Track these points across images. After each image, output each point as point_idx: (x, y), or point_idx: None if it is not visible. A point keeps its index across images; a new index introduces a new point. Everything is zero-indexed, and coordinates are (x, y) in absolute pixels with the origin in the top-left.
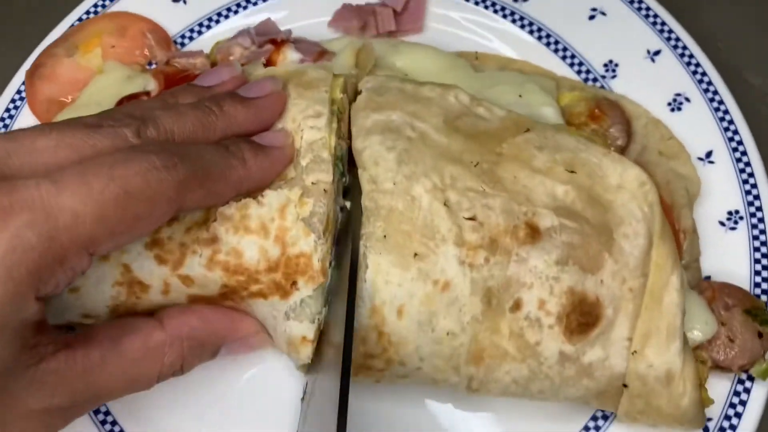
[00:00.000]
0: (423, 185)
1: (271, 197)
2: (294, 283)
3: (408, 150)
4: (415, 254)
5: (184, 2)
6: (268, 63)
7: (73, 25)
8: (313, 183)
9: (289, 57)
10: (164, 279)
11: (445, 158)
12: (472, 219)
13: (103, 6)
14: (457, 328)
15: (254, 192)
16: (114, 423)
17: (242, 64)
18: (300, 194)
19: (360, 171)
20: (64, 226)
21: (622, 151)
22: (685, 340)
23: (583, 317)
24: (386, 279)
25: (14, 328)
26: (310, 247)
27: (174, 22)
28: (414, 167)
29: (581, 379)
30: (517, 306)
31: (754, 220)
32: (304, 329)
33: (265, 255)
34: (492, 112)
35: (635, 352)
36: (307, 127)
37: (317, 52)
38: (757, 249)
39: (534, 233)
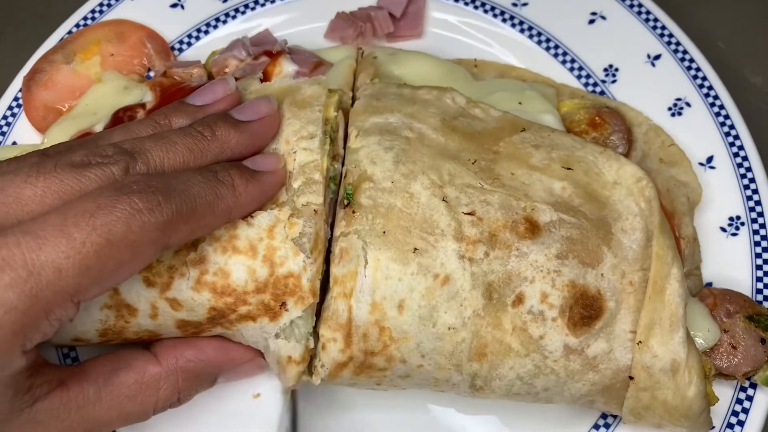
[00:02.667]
0: (421, 182)
1: (261, 217)
2: (283, 304)
3: (406, 150)
4: (415, 249)
5: (182, 8)
6: (264, 74)
7: (70, 31)
8: (303, 204)
9: (285, 69)
10: (152, 302)
11: (443, 156)
12: (470, 214)
13: (101, 12)
14: (459, 323)
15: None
16: None
17: (238, 78)
18: (289, 215)
19: (349, 167)
20: (47, 282)
21: (626, 153)
22: (687, 332)
23: (585, 310)
24: (386, 274)
25: (4, 382)
26: (299, 267)
27: (172, 28)
28: (412, 166)
29: (587, 372)
30: (519, 300)
31: (756, 226)
32: (290, 349)
33: (253, 275)
34: (488, 113)
35: (640, 342)
36: (300, 149)
37: (313, 63)
38: (758, 255)
39: (533, 228)
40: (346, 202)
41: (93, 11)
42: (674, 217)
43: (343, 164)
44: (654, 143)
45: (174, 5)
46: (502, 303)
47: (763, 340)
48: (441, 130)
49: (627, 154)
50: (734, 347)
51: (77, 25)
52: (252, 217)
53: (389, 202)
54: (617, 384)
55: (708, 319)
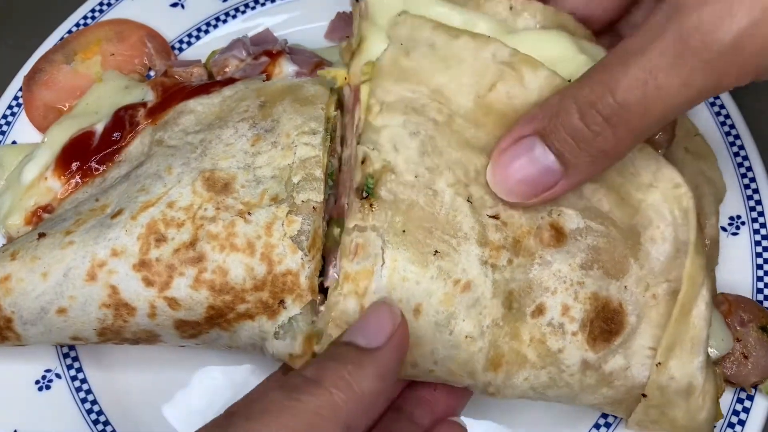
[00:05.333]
0: (446, 179)
1: (258, 214)
2: (281, 301)
3: (433, 138)
4: (436, 252)
5: (182, 7)
6: (265, 74)
7: (70, 30)
8: (303, 201)
9: (285, 69)
10: (150, 301)
11: (472, 148)
12: (495, 217)
13: (101, 11)
14: (476, 332)
15: None
16: (106, 423)
17: (238, 78)
18: (287, 211)
19: (367, 148)
20: None
21: (669, 142)
22: (707, 356)
23: (606, 324)
24: (403, 276)
25: None
26: (297, 264)
27: (172, 27)
28: (438, 159)
29: (601, 387)
30: (539, 311)
31: (756, 225)
32: (289, 346)
33: (251, 273)
34: (535, 74)
35: (659, 363)
36: (301, 143)
37: (314, 63)
38: (759, 254)
39: (559, 235)
40: (364, 194)
41: (93, 10)
42: (699, 217)
43: (358, 142)
44: (678, 130)
45: (174, 4)
46: (521, 313)
47: None
48: (473, 113)
49: (670, 143)
50: (746, 357)
51: (77, 25)
52: (250, 213)
53: (411, 198)
54: (629, 399)
55: (723, 327)
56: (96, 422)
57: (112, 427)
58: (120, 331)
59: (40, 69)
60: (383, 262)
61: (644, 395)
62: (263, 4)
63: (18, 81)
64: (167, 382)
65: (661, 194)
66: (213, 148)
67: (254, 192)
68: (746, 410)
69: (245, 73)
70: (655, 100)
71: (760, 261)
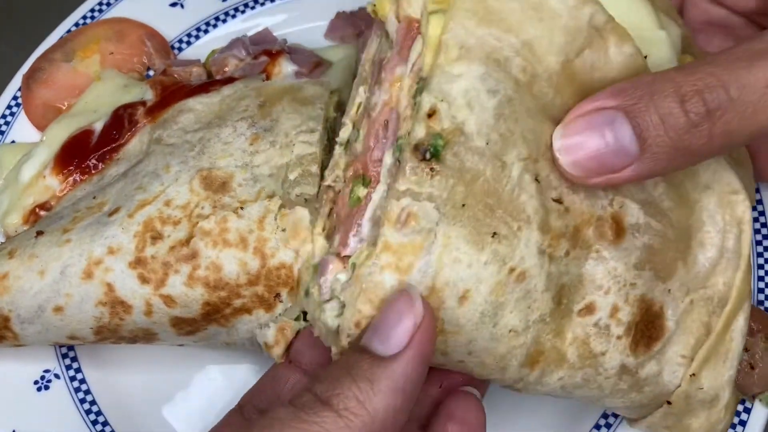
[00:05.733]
0: (518, 151)
1: (251, 208)
2: (277, 295)
3: (511, 100)
4: (494, 234)
5: (182, 6)
6: (264, 74)
7: (70, 29)
8: (297, 195)
9: (285, 69)
10: (146, 299)
11: (546, 117)
12: (558, 201)
13: (100, 10)
14: (521, 326)
15: None
16: (105, 423)
17: (238, 77)
18: (280, 204)
19: (435, 99)
20: None
21: None
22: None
23: (647, 329)
24: (455, 257)
25: None
26: (291, 257)
27: (172, 27)
28: (513, 125)
29: (631, 392)
30: (588, 310)
31: (757, 225)
32: (265, 337)
33: (244, 268)
34: (621, 48)
35: (693, 375)
36: (298, 141)
37: (313, 63)
38: (759, 254)
39: (619, 230)
40: (428, 154)
41: (92, 9)
42: None
43: (422, 91)
44: None
45: (174, 4)
46: (569, 309)
47: None
48: (556, 77)
49: None
50: (752, 367)
51: (77, 24)
52: (242, 208)
53: (478, 168)
54: (652, 404)
55: None
56: (95, 422)
57: (111, 427)
58: (117, 329)
59: (40, 68)
60: (434, 237)
61: (669, 402)
62: (263, 4)
63: (17, 80)
64: (167, 382)
65: (717, 198)
66: (211, 147)
67: (251, 191)
68: (743, 423)
69: (244, 73)
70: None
71: (761, 261)
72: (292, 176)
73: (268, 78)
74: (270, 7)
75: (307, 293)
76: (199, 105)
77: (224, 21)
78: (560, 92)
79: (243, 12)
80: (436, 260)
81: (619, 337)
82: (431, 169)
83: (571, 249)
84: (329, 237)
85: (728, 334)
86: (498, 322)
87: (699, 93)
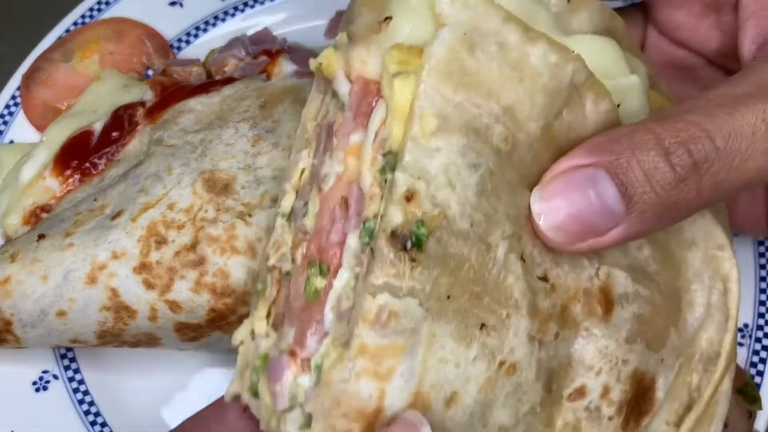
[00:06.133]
0: (502, 229)
1: (259, 216)
2: None
3: (493, 173)
4: (482, 325)
5: (181, 5)
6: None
7: (69, 29)
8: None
9: (284, 68)
10: (151, 304)
11: (525, 187)
12: (544, 279)
13: (99, 10)
14: (512, 422)
15: None
16: (104, 425)
17: (238, 77)
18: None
19: (412, 177)
20: None
21: None
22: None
23: (638, 404)
24: (441, 357)
25: None
26: None
27: (170, 26)
28: (496, 201)
29: None
30: (580, 394)
31: (762, 260)
32: None
33: (252, 276)
34: (597, 106)
35: None
36: None
37: None
38: (762, 255)
39: (608, 304)
40: (409, 244)
41: (91, 9)
42: None
43: (392, 167)
44: None
45: (173, 3)
46: (558, 395)
47: (749, 414)
48: (537, 142)
49: None
50: (726, 425)
51: (75, 23)
52: (250, 215)
53: (462, 253)
54: None
55: None
56: (94, 424)
57: (110, 429)
58: (120, 334)
59: (39, 68)
60: (419, 338)
61: None
62: (262, 3)
63: (16, 80)
64: (166, 384)
65: (703, 254)
66: (213, 149)
67: (254, 193)
68: None
69: (244, 72)
70: (756, 155)
71: (763, 261)
72: None
73: (268, 78)
74: (269, 6)
75: (255, 394)
76: (200, 105)
77: (223, 20)
78: (538, 158)
79: (242, 11)
80: (420, 363)
81: (610, 418)
82: (412, 260)
83: (560, 330)
84: (275, 326)
85: (717, 398)
86: (488, 422)
87: (683, 144)
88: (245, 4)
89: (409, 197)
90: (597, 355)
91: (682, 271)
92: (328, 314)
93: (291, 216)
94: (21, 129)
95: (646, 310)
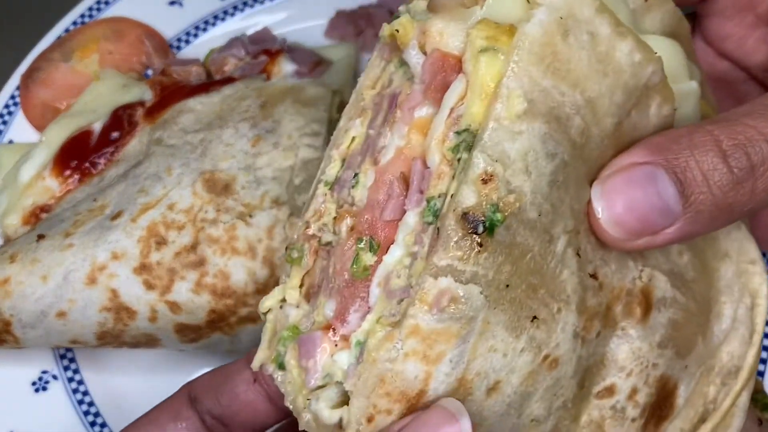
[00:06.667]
0: (565, 223)
1: (260, 217)
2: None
3: (566, 164)
4: (534, 318)
5: (180, 5)
6: (264, 73)
7: (68, 29)
8: (304, 203)
9: (284, 68)
10: (151, 305)
11: (587, 182)
12: (593, 276)
13: (99, 10)
14: (544, 415)
15: None
16: (104, 425)
17: (237, 77)
18: (289, 214)
19: (490, 158)
20: None
21: None
22: None
23: (660, 408)
24: (491, 345)
25: None
26: None
27: (170, 25)
28: (564, 194)
29: None
30: (609, 392)
31: None
32: None
33: (253, 277)
34: (661, 109)
35: None
36: (303, 145)
37: (313, 62)
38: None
39: (647, 307)
40: (480, 228)
41: (91, 9)
42: None
43: (471, 146)
44: None
45: (172, 2)
46: (588, 392)
47: (760, 421)
48: (607, 139)
49: None
50: None
51: (75, 23)
52: (251, 216)
53: (527, 243)
54: None
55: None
56: (93, 424)
57: (110, 429)
58: (120, 334)
59: (38, 67)
60: (474, 325)
61: None
62: (262, 2)
63: (15, 79)
64: (165, 384)
65: (735, 267)
66: (213, 149)
67: (255, 193)
68: None
69: (244, 72)
70: None
71: None
72: (297, 181)
73: (268, 78)
74: (269, 5)
75: (281, 366)
76: (200, 105)
77: (223, 20)
78: (603, 155)
79: (242, 10)
80: (471, 350)
81: (633, 420)
82: (479, 245)
83: (602, 329)
84: (308, 297)
85: (733, 410)
86: (522, 413)
87: (741, 147)
88: (245, 4)
89: (486, 179)
90: (630, 356)
91: (714, 282)
92: (375, 291)
93: (335, 185)
94: (20, 129)
95: (680, 317)
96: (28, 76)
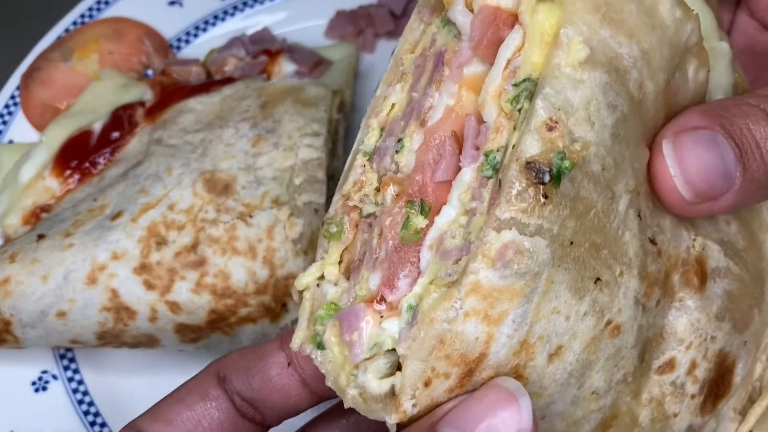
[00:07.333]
0: (626, 180)
1: (260, 217)
2: (284, 305)
3: (626, 118)
4: (597, 279)
5: (180, 5)
6: (264, 73)
7: (68, 29)
8: (305, 203)
9: (284, 68)
10: (152, 305)
11: (644, 142)
12: (653, 242)
13: (98, 9)
14: (604, 388)
15: None
16: (103, 425)
17: (237, 77)
18: (289, 214)
19: (553, 106)
20: None
21: None
22: None
23: (717, 386)
24: (554, 306)
25: None
26: (300, 268)
27: (170, 26)
28: (625, 149)
29: None
30: (670, 367)
31: None
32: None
33: (253, 277)
34: (697, 74)
35: None
36: (303, 145)
37: (313, 62)
38: None
39: (703, 276)
40: (546, 177)
41: (91, 9)
42: None
43: (532, 95)
44: None
45: (172, 2)
46: (648, 367)
47: None
48: (660, 95)
49: None
50: None
51: (75, 23)
52: (251, 216)
53: (591, 198)
54: None
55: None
56: (93, 424)
57: (110, 429)
58: (120, 334)
59: (38, 67)
60: (539, 282)
61: None
62: (262, 3)
63: (15, 79)
64: (165, 384)
65: None
66: (213, 149)
67: (255, 193)
68: None
69: (244, 72)
70: None
71: None
72: (297, 181)
73: (268, 77)
74: (269, 5)
75: (320, 346)
76: (200, 105)
77: (223, 19)
78: (655, 115)
79: (242, 10)
80: (534, 310)
81: (693, 396)
82: (545, 196)
83: (661, 298)
84: (347, 273)
85: None
86: (583, 384)
87: None
88: (245, 4)
89: (551, 126)
90: (689, 328)
91: (764, 254)
92: (426, 255)
93: (374, 155)
94: (20, 129)
95: (735, 288)
96: (28, 76)
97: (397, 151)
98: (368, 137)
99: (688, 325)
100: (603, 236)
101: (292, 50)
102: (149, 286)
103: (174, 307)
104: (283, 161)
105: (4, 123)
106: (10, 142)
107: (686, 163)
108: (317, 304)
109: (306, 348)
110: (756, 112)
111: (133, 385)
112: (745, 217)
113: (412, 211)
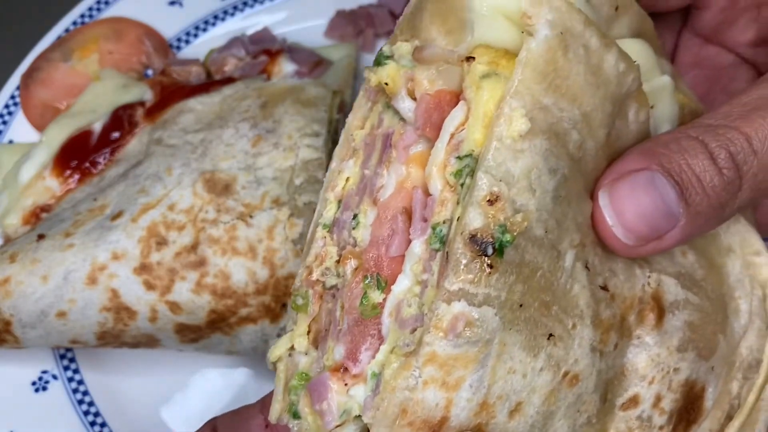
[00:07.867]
0: (571, 237)
1: (260, 217)
2: (284, 305)
3: (567, 179)
4: (550, 335)
5: (180, 5)
6: (264, 73)
7: (68, 29)
8: (305, 203)
9: (284, 68)
10: (152, 305)
11: (587, 194)
12: (604, 288)
13: (98, 9)
14: None
15: None
16: (104, 425)
17: (237, 77)
18: (289, 214)
19: (494, 179)
20: None
21: None
22: None
23: (688, 412)
24: (510, 367)
25: None
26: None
27: (170, 25)
28: (567, 208)
29: None
30: (633, 403)
31: None
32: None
33: (253, 277)
34: (638, 116)
35: None
36: (303, 145)
37: (313, 62)
38: None
39: (660, 312)
40: (490, 249)
41: (91, 9)
42: None
43: (474, 170)
44: None
45: (172, 2)
46: (612, 405)
47: None
48: (600, 149)
49: None
50: None
51: (75, 23)
52: (251, 217)
53: (536, 261)
54: None
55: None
56: (93, 424)
57: (110, 429)
58: (120, 335)
59: (38, 67)
60: (491, 348)
61: None
62: (262, 3)
63: (15, 79)
64: (165, 384)
65: (741, 260)
66: (213, 149)
67: (255, 194)
68: None
69: (244, 72)
70: None
71: None
72: (297, 181)
73: (268, 77)
74: (269, 5)
75: (295, 415)
76: (200, 105)
77: (223, 19)
78: (597, 166)
79: (242, 10)
80: (490, 373)
81: (661, 428)
82: (490, 266)
83: (619, 340)
84: (315, 343)
85: (759, 404)
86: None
87: (725, 148)
88: (245, 4)
89: (492, 200)
90: (650, 364)
91: (724, 278)
92: (386, 321)
93: (333, 227)
94: (20, 129)
95: (696, 318)
96: (28, 76)
97: (353, 227)
98: (326, 210)
99: (648, 361)
100: (552, 293)
101: (292, 50)
102: (149, 286)
103: (174, 307)
104: (283, 161)
105: (4, 123)
106: (10, 142)
107: (624, 210)
108: (290, 374)
109: (283, 418)
110: (695, 145)
111: (133, 385)
112: (701, 244)
113: (369, 284)
